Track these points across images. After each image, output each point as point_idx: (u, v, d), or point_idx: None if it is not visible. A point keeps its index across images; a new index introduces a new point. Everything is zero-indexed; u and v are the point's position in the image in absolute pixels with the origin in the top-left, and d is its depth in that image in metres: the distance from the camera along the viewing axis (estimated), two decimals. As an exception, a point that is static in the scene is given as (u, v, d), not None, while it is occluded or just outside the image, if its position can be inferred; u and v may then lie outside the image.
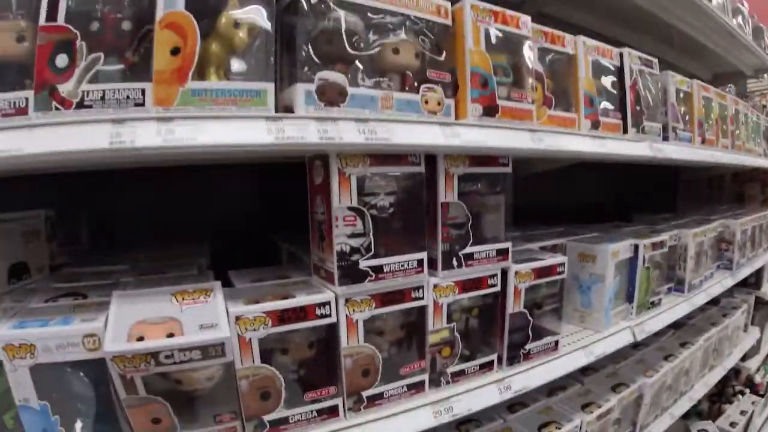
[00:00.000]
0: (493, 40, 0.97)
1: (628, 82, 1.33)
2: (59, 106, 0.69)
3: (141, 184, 1.18)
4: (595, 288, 1.38)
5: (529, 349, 1.15)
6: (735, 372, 3.03)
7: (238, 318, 0.78)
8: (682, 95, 1.67)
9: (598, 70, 1.27)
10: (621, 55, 1.33)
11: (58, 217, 1.22)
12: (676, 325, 2.01)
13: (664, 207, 2.56)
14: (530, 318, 1.12)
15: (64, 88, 0.69)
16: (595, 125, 1.23)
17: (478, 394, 1.03)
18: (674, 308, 1.68)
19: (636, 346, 1.88)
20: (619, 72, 1.33)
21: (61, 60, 0.71)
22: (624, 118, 1.33)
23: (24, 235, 1.10)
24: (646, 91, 1.41)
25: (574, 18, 1.93)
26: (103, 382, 0.76)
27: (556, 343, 1.21)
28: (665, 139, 1.58)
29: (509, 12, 1.00)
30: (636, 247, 1.47)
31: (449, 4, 0.94)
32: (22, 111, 0.70)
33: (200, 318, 0.75)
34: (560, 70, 1.19)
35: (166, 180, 1.10)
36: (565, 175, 1.55)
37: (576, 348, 1.25)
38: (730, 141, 2.05)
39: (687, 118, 1.72)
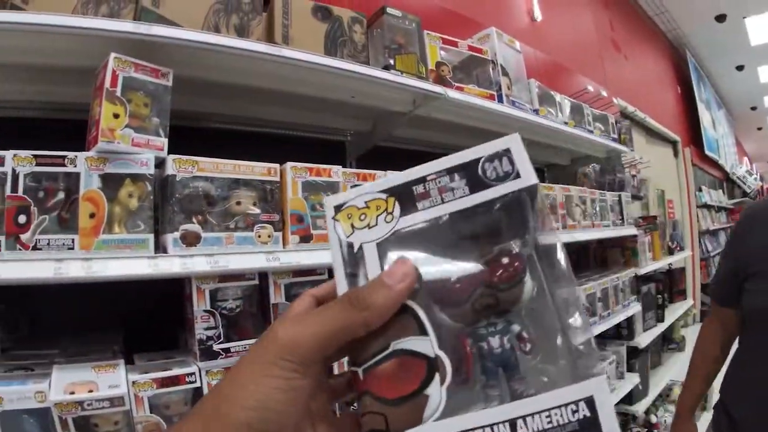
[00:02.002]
0: (312, 187, 1.54)
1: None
2: (21, 248, 1.19)
3: (69, 290, 1.65)
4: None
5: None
6: (632, 417, 3.67)
7: (134, 382, 1.25)
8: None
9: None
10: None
11: (5, 311, 1.70)
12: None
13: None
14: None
15: (24, 237, 1.20)
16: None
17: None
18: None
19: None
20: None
21: (22, 218, 1.21)
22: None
23: (-20, 324, 1.58)
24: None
25: (431, 136, 2.55)
26: (44, 425, 1.24)
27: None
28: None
29: (323, 166, 1.57)
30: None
31: (278, 165, 1.49)
32: (-6, 250, 1.19)
33: (109, 381, 1.24)
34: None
35: (88, 288, 1.57)
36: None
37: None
38: (561, 223, 2.66)
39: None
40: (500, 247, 0.53)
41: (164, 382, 1.30)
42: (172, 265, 1.26)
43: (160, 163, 1.34)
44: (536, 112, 2.63)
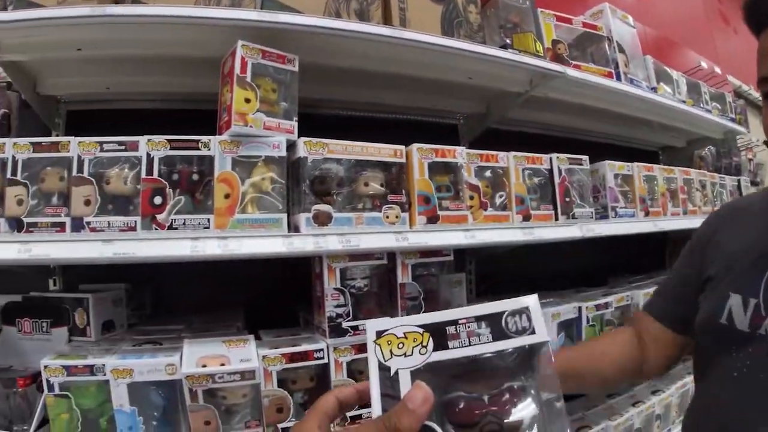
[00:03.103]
0: (436, 168, 1.55)
1: (557, 180, 1.87)
2: (157, 228, 1.27)
3: (189, 270, 1.73)
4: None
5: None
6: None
7: (264, 357, 1.32)
8: (620, 179, 2.19)
9: (531, 174, 1.83)
10: (551, 159, 1.89)
11: (132, 290, 1.82)
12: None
13: (657, 267, 3.05)
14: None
15: (160, 217, 1.27)
16: (527, 218, 1.77)
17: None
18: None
19: (611, 395, 2.20)
20: (551, 172, 1.89)
21: (157, 199, 1.29)
22: (555, 209, 1.88)
23: (112, 301, 1.70)
24: (576, 184, 1.96)
25: (546, 117, 2.50)
26: (170, 397, 1.32)
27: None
28: (604, 217, 2.11)
29: (447, 147, 1.57)
30: (579, 308, 1.97)
31: (404, 147, 1.52)
32: (132, 228, 1.27)
33: (240, 356, 1.30)
34: (498, 179, 1.75)
35: (212, 266, 1.65)
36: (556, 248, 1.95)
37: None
38: (681, 208, 2.54)
39: (629, 196, 2.24)
40: (509, 384, 0.65)
41: (293, 357, 1.37)
42: (305, 243, 1.30)
43: (290, 146, 1.38)
44: (654, 90, 2.52)
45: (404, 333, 0.66)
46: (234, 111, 1.29)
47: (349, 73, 1.78)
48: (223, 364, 1.25)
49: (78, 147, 1.28)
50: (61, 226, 1.26)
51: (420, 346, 0.65)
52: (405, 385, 0.63)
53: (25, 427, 1.32)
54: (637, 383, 2.19)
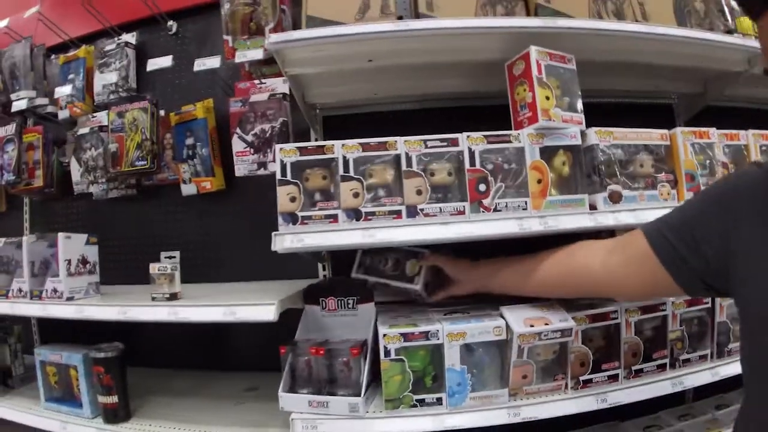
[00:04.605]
0: (695, 148, 1.75)
1: (788, 155, 2.03)
2: (484, 211, 1.56)
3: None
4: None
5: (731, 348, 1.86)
6: None
7: (573, 317, 1.59)
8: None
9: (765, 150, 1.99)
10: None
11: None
12: None
13: None
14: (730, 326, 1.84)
15: (486, 202, 1.56)
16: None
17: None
18: None
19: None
20: (784, 148, 2.04)
21: (482, 186, 1.57)
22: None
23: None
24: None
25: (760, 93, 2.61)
26: (495, 357, 1.59)
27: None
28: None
29: (703, 129, 1.78)
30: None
31: (668, 131, 1.74)
32: (461, 213, 1.57)
33: (558, 317, 1.58)
34: (739, 156, 1.92)
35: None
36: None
37: None
38: None
39: None
40: None
41: (595, 318, 1.66)
42: (606, 218, 1.58)
43: (581, 135, 1.64)
44: None
45: None
46: (539, 107, 1.56)
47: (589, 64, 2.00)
48: (547, 324, 1.52)
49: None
50: (397, 213, 1.56)
51: None
52: None
53: (350, 391, 1.62)
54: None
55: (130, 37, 2.68)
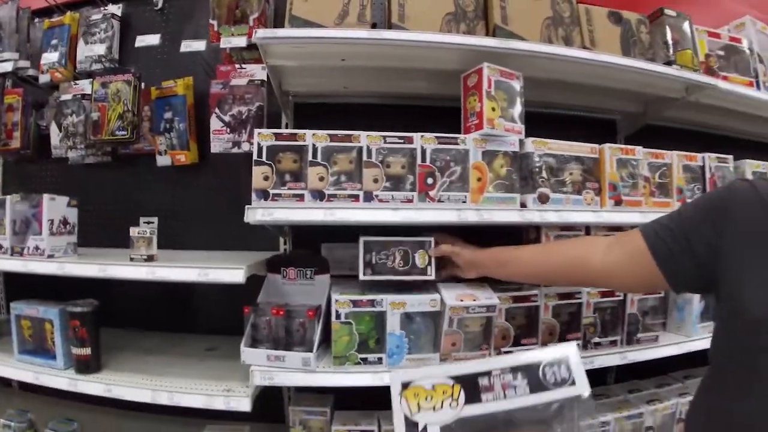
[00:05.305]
0: (621, 163, 2.15)
1: (708, 174, 2.44)
2: (430, 201, 1.92)
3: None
4: (687, 307, 2.46)
5: (639, 338, 2.27)
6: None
7: (498, 297, 1.97)
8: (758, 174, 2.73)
9: (688, 169, 2.39)
10: (703, 158, 2.45)
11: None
12: None
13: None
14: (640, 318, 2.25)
15: (432, 193, 1.92)
16: (684, 204, 2.35)
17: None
18: None
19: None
20: (703, 168, 2.45)
21: (430, 180, 1.93)
22: (705, 198, 2.44)
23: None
24: (720, 179, 2.51)
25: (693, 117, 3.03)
26: (431, 326, 1.97)
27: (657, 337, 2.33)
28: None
29: (629, 146, 2.17)
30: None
31: (597, 145, 2.13)
32: (410, 201, 1.93)
33: (485, 295, 1.95)
34: (664, 173, 2.32)
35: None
36: None
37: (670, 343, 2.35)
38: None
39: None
40: None
41: (517, 299, 2.05)
42: (533, 216, 1.98)
43: (519, 143, 2.02)
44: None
45: (433, 385, 0.70)
46: (485, 117, 1.93)
47: (548, 81, 2.39)
48: (474, 299, 1.90)
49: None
50: (355, 197, 1.93)
51: (450, 399, 0.68)
52: None
53: (304, 348, 1.98)
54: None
55: (116, 9, 2.94)
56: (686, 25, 2.58)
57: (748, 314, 1.17)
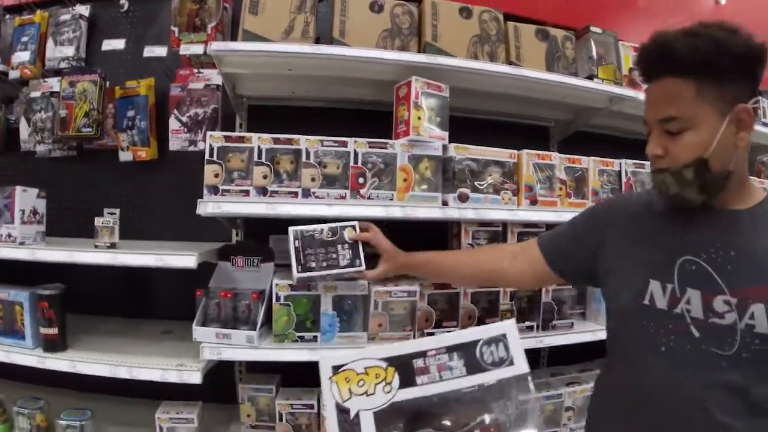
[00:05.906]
0: (538, 166, 2.52)
1: (623, 178, 2.82)
2: (361, 198, 2.28)
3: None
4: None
5: (555, 324, 2.65)
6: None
7: (421, 284, 2.34)
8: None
9: (604, 173, 2.78)
10: (620, 163, 2.83)
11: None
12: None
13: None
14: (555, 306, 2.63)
15: (362, 191, 2.29)
16: (599, 205, 2.74)
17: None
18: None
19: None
20: (619, 173, 2.84)
21: (361, 179, 2.30)
22: (621, 200, 2.83)
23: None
24: (638, 184, 2.89)
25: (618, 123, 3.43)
26: (360, 308, 2.33)
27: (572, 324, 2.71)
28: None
29: (546, 152, 2.55)
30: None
31: (516, 151, 2.50)
32: (343, 198, 2.28)
33: (407, 283, 2.32)
34: (581, 176, 2.70)
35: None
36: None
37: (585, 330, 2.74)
38: None
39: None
40: (481, 418, 0.66)
41: (438, 286, 2.43)
42: (453, 213, 2.35)
43: (443, 148, 2.39)
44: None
45: (365, 368, 0.65)
46: (411, 125, 2.30)
47: (468, 92, 2.76)
48: (396, 285, 2.27)
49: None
50: (295, 194, 2.28)
51: (384, 383, 0.64)
52: (368, 429, 0.61)
53: (249, 327, 2.32)
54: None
55: (84, 10, 3.22)
56: (611, 41, 2.96)
57: (613, 303, 1.58)
